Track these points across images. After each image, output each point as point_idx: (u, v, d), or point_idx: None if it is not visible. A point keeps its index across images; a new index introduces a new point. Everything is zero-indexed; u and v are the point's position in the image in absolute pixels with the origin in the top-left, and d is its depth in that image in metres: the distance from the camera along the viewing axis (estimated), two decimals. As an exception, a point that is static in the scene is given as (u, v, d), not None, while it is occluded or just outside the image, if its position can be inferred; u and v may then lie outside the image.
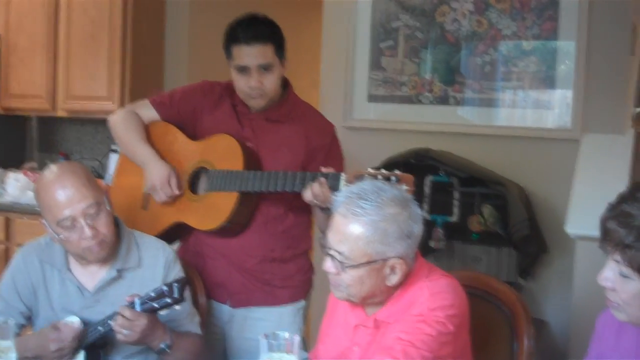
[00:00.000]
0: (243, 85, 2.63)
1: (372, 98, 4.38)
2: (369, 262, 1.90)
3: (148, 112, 2.79)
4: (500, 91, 4.05)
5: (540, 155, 3.98)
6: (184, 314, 2.42)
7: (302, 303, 2.78)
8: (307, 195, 2.44)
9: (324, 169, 2.45)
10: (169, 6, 5.17)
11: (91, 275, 2.40)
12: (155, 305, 2.16)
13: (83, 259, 2.35)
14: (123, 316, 2.17)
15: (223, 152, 2.65)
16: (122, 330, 2.17)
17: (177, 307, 2.19)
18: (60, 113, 5.13)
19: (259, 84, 2.61)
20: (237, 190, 2.57)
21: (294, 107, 2.75)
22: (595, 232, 1.75)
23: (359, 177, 2.25)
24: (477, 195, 3.76)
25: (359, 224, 1.89)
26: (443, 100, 4.18)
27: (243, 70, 2.61)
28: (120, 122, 2.78)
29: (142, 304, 2.18)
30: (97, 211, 2.29)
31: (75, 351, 2.25)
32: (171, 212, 2.72)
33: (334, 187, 2.38)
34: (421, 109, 4.24)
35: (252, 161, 2.63)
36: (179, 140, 2.75)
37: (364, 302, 2.00)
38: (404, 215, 1.91)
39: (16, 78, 5.25)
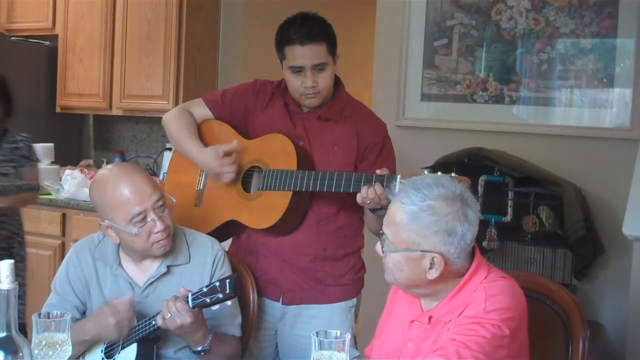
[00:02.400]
0: (298, 85, 2.63)
1: (425, 97, 4.35)
2: (406, 250, 1.93)
3: (201, 110, 2.81)
4: (556, 90, 3.99)
5: (597, 155, 3.90)
6: (226, 314, 2.43)
7: (353, 301, 2.77)
8: (361, 196, 2.43)
9: (379, 171, 2.44)
10: (224, 6, 5.22)
11: (142, 272, 2.43)
12: (207, 300, 2.18)
13: (148, 254, 2.38)
14: (173, 304, 2.20)
15: (277, 151, 2.65)
16: (166, 314, 2.20)
17: (228, 302, 2.21)
18: (116, 112, 5.23)
19: (314, 84, 2.61)
20: (291, 189, 2.57)
21: (345, 105, 2.74)
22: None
23: None
24: (532, 196, 3.71)
25: (401, 211, 1.94)
26: (498, 99, 4.13)
27: (297, 70, 2.61)
28: (172, 119, 2.80)
29: (194, 299, 2.20)
30: (164, 204, 2.34)
31: (128, 340, 2.29)
32: (224, 210, 2.73)
33: (390, 189, 2.37)
34: (475, 108, 4.20)
35: (305, 160, 2.63)
36: (232, 138, 2.76)
37: (408, 289, 2.04)
38: (447, 211, 1.91)
39: (73, 77, 5.36)
